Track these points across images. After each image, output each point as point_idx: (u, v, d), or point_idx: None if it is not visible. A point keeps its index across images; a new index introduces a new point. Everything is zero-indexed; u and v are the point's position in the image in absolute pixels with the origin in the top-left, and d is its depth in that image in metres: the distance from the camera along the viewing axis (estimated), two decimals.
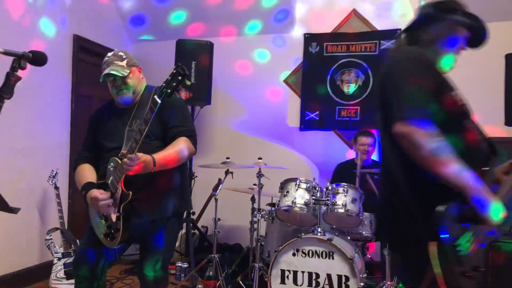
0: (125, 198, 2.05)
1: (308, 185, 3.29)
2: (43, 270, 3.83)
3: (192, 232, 4.45)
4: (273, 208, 3.61)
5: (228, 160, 3.75)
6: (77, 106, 4.35)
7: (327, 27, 4.63)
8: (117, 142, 2.19)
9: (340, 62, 4.57)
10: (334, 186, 3.25)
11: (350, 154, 4.40)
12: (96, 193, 2.09)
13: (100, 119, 2.36)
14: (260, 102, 4.80)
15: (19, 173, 3.63)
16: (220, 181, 4.12)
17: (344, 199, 3.20)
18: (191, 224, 4.36)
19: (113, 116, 2.31)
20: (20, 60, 1.84)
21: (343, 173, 3.99)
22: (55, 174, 3.73)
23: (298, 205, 3.22)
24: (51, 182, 3.70)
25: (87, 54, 4.56)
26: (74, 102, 4.31)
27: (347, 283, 2.90)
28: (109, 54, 2.24)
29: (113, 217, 2.10)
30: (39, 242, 3.88)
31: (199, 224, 4.58)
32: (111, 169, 2.12)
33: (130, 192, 2.04)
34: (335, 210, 3.18)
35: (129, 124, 2.19)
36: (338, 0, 4.55)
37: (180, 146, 2.15)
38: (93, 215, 2.26)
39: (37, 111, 3.83)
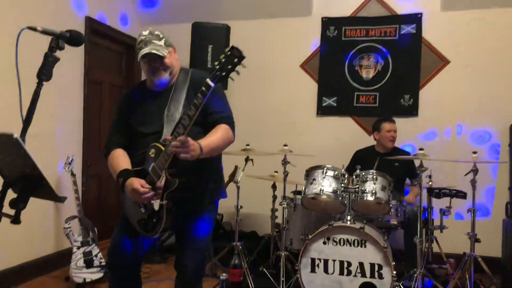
0: (170, 186, 1.96)
1: (336, 172, 3.22)
2: (60, 259, 3.76)
3: None
4: (297, 196, 3.54)
5: (248, 147, 3.67)
6: (89, 91, 4.22)
7: (346, 11, 4.52)
8: (154, 127, 2.09)
9: (359, 46, 4.47)
10: (363, 173, 3.18)
11: (369, 142, 4.33)
12: (137, 184, 1.97)
13: (132, 102, 2.22)
14: (276, 87, 4.69)
15: None
16: (236, 169, 4.04)
17: (374, 186, 3.13)
18: None
19: (147, 100, 2.19)
20: (58, 40, 1.74)
21: (362, 160, 3.92)
22: (71, 160, 3.63)
23: (326, 193, 3.15)
24: (67, 169, 3.60)
25: (99, 37, 4.41)
26: (87, 86, 4.18)
27: (380, 271, 2.85)
28: (144, 32, 2.10)
29: (156, 206, 2.01)
30: (55, 230, 3.79)
31: None
32: (152, 155, 2.02)
33: (177, 180, 1.95)
34: (364, 198, 3.12)
35: (167, 108, 2.09)
36: None
37: (222, 134, 2.06)
38: (129, 204, 2.15)
39: (50, 96, 3.69)
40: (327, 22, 4.56)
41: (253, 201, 4.21)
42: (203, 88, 1.81)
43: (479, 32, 4.16)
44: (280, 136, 4.47)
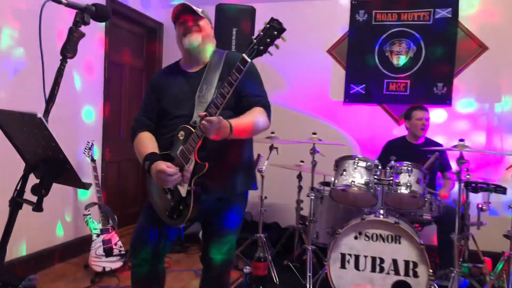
0: (199, 170, 1.82)
1: (368, 163, 3.04)
2: (79, 246, 3.68)
3: None
4: (326, 187, 3.38)
5: (273, 135, 3.51)
6: (110, 74, 4.09)
7: None
8: (185, 109, 1.95)
9: (390, 31, 4.25)
10: (397, 165, 3.00)
11: (398, 131, 4.14)
12: (162, 165, 1.85)
13: (163, 82, 2.08)
14: (301, 74, 4.51)
15: None
16: (259, 157, 3.89)
17: (408, 178, 2.96)
18: None
19: (178, 80, 2.05)
20: (83, 13, 1.60)
21: (394, 150, 3.72)
22: (91, 145, 3.51)
23: (357, 185, 2.99)
24: (88, 154, 3.49)
25: (120, 19, 4.27)
26: (107, 69, 4.05)
27: (415, 269, 2.69)
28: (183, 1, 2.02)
29: (183, 192, 1.87)
30: (74, 216, 3.70)
31: None
32: (181, 137, 1.88)
33: (207, 163, 1.81)
34: (398, 191, 2.95)
35: (199, 89, 1.94)
36: None
37: (256, 116, 1.91)
38: (155, 190, 2.02)
39: (69, 78, 3.57)
40: (356, 6, 4.34)
41: (276, 191, 4.06)
42: (239, 64, 1.67)
43: None
44: (304, 124, 4.30)
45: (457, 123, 4.07)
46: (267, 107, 1.98)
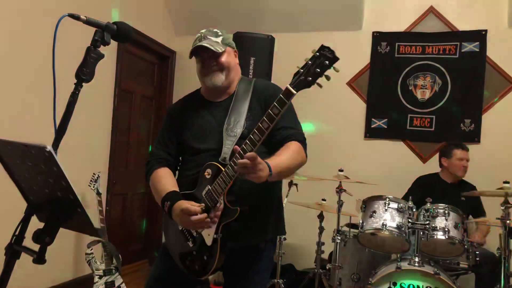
0: (229, 216, 1.57)
1: (400, 205, 2.79)
2: (79, 286, 3.36)
3: None
4: (352, 230, 3.10)
5: None
6: (119, 102, 3.89)
7: (400, 26, 4.15)
8: (211, 143, 1.71)
9: (414, 64, 4.07)
10: (433, 207, 2.74)
11: (423, 170, 3.88)
12: (186, 204, 1.59)
13: (184, 113, 1.85)
14: (320, 106, 4.29)
15: None
16: None
17: (446, 223, 2.69)
18: None
19: (202, 111, 1.82)
20: (104, 32, 1.40)
21: (426, 187, 3.47)
22: (97, 177, 3.27)
23: (389, 228, 2.72)
24: (93, 187, 3.23)
25: (132, 45, 4.10)
26: (117, 97, 3.85)
27: None
28: (202, 30, 1.78)
29: (208, 240, 1.61)
30: (74, 254, 3.41)
31: None
32: (207, 176, 1.64)
33: (238, 208, 1.56)
34: (435, 236, 2.67)
35: (227, 121, 1.71)
36: None
37: (294, 152, 1.66)
38: (174, 235, 1.76)
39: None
40: (378, 37, 4.18)
41: (292, 230, 3.76)
42: (282, 96, 1.44)
43: None
44: (323, 159, 4.05)
45: (486, 162, 3.82)
46: (303, 141, 1.74)
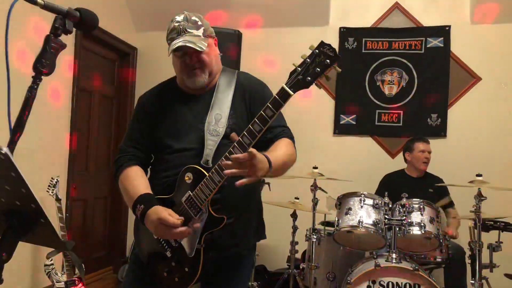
0: (214, 225, 1.45)
1: (376, 201, 2.75)
2: None
3: None
4: (327, 228, 3.04)
5: None
6: (78, 102, 3.65)
7: (366, 21, 4.14)
8: (190, 142, 1.57)
9: (381, 60, 4.07)
10: (409, 203, 2.72)
11: (392, 165, 3.89)
12: (165, 213, 1.44)
13: (158, 105, 1.67)
14: (288, 103, 4.22)
15: None
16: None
17: (421, 218, 2.68)
18: None
19: (179, 105, 1.64)
20: (65, 19, 1.25)
21: (393, 185, 3.47)
22: (56, 182, 3.04)
23: (365, 225, 2.67)
24: (51, 192, 3.00)
25: (91, 41, 3.87)
26: (75, 97, 3.61)
27: None
28: (178, 18, 1.58)
29: (190, 250, 1.48)
30: (32, 266, 3.16)
31: None
32: (188, 181, 1.49)
33: (225, 217, 1.44)
34: (411, 232, 2.65)
35: (208, 118, 1.56)
36: None
37: (288, 149, 1.56)
38: (148, 244, 1.61)
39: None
40: (345, 33, 4.16)
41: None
42: (277, 97, 1.33)
43: None
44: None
45: (452, 155, 3.87)
46: (292, 138, 1.64)
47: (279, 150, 1.50)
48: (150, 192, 1.56)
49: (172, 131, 1.61)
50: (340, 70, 1.33)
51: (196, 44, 1.53)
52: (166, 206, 1.51)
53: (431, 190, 3.37)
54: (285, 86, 1.33)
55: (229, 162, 1.31)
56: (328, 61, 1.30)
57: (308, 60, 1.32)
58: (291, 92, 1.33)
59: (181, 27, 1.55)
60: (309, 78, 1.32)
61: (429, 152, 3.44)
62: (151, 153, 1.69)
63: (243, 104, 1.60)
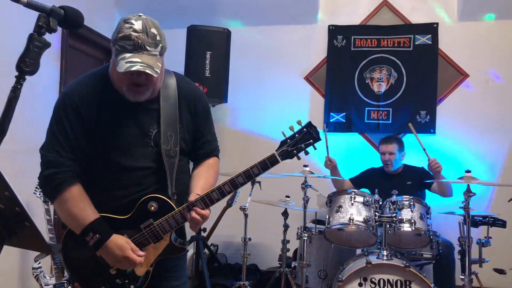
0: (174, 253, 1.57)
1: (366, 198, 2.75)
2: None
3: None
4: (318, 226, 3.04)
5: None
6: None
7: (355, 19, 4.15)
8: (142, 160, 1.53)
9: (369, 58, 4.08)
10: (399, 199, 2.72)
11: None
12: (129, 251, 1.47)
13: (95, 111, 1.51)
14: (278, 101, 4.22)
15: None
16: (235, 192, 3.54)
17: (412, 214, 2.69)
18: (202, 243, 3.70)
19: (121, 113, 1.52)
20: (49, 17, 1.22)
21: (368, 179, 3.52)
22: None
23: (356, 223, 2.68)
24: (39, 194, 2.95)
25: (78, 40, 3.82)
26: None
27: None
28: (136, 25, 1.39)
29: (140, 271, 1.54)
30: (20, 270, 3.11)
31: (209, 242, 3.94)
32: (153, 210, 1.51)
33: (186, 248, 1.58)
34: (402, 229, 2.66)
35: (161, 134, 1.53)
36: None
37: (216, 174, 1.71)
38: (87, 261, 1.56)
39: (18, 107, 3.06)
40: (334, 31, 4.16)
41: (255, 230, 3.66)
42: (267, 161, 1.52)
43: (500, 44, 3.85)
44: None
45: (442, 151, 3.89)
46: (218, 155, 1.78)
47: (209, 179, 1.63)
48: (98, 215, 1.50)
49: (117, 144, 1.51)
50: (316, 148, 1.57)
51: (153, 69, 1.40)
52: (115, 224, 1.51)
53: (410, 182, 3.38)
54: (276, 154, 1.53)
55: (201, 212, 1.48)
56: (311, 141, 1.54)
57: (297, 135, 1.54)
58: (279, 160, 1.53)
59: (139, 41, 1.38)
60: (295, 151, 1.54)
61: (391, 153, 3.41)
62: (82, 163, 1.54)
63: (188, 115, 1.61)
